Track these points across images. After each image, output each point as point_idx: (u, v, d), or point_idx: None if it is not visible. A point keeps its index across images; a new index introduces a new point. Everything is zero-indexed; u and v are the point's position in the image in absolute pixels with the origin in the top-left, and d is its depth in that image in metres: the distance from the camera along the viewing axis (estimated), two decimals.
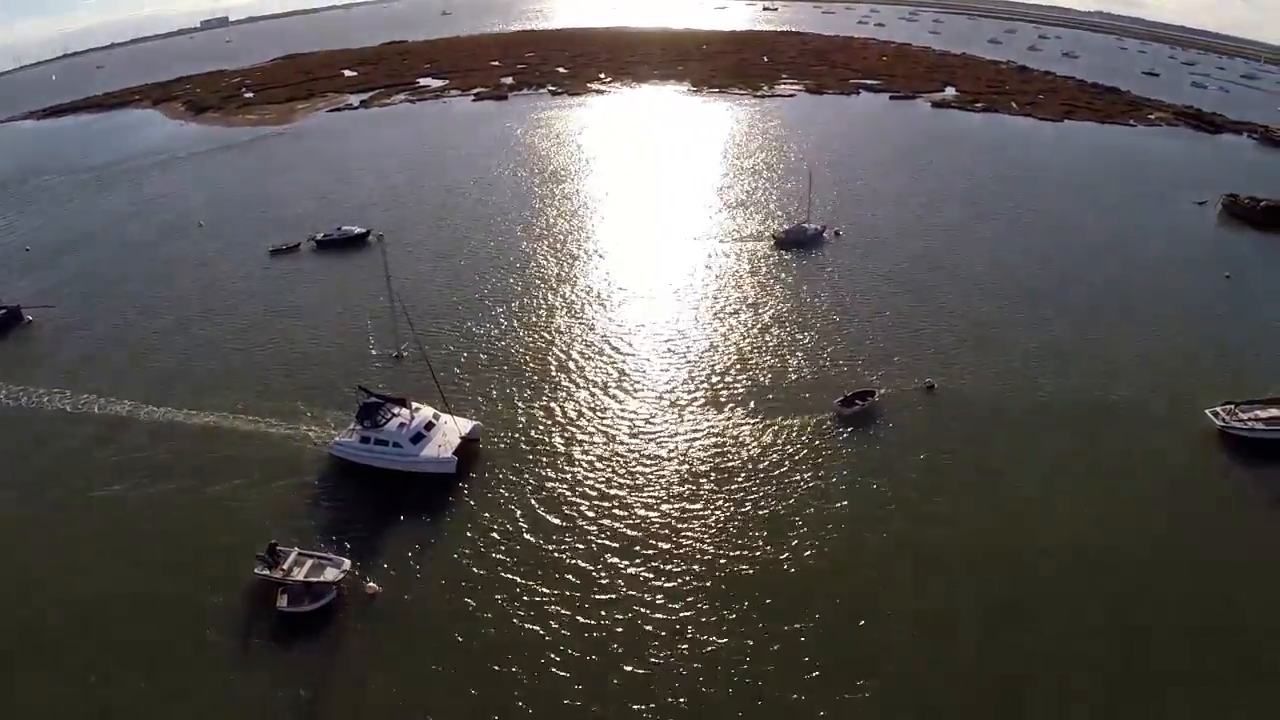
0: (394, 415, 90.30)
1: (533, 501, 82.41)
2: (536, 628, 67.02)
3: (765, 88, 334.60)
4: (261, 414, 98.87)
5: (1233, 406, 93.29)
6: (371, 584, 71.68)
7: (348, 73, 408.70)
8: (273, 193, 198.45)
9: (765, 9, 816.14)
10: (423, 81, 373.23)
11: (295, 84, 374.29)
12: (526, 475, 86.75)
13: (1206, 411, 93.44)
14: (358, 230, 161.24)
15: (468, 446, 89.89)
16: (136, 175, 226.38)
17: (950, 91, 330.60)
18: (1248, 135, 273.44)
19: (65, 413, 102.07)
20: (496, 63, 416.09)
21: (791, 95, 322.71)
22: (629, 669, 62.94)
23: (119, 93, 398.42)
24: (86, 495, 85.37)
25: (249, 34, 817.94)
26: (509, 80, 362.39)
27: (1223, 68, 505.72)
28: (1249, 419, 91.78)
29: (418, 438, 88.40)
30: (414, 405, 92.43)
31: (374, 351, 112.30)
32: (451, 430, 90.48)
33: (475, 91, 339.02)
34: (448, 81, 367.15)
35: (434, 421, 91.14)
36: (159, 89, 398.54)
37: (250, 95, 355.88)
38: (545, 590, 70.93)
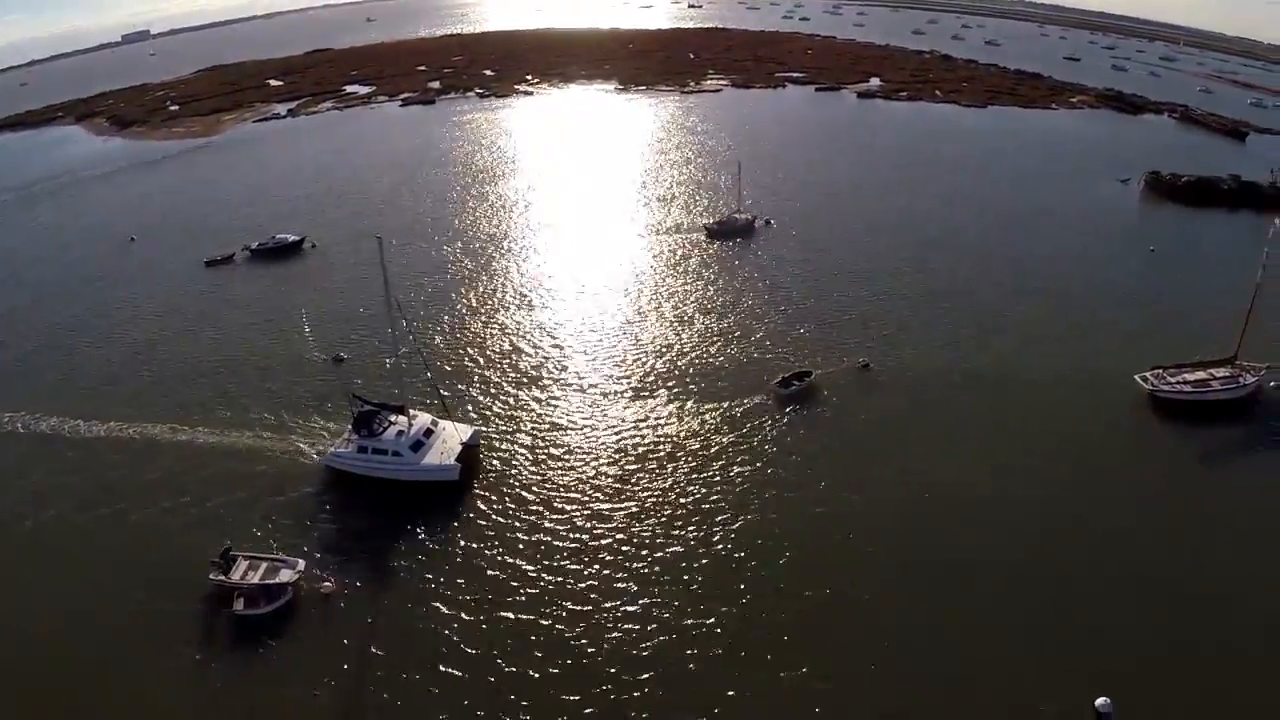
0: (391, 423, 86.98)
1: (523, 507, 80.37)
2: (500, 626, 66.13)
3: (692, 84, 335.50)
4: (240, 426, 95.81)
5: (1161, 371, 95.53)
6: (327, 583, 70.91)
7: (273, 82, 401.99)
8: (203, 204, 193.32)
9: (690, 6, 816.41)
10: (350, 88, 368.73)
11: (221, 95, 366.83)
12: (521, 481, 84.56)
13: (1135, 377, 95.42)
14: (292, 238, 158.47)
15: (468, 453, 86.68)
16: (63, 193, 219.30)
17: (875, 82, 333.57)
18: (1168, 115, 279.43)
19: (41, 434, 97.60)
20: (423, 67, 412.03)
21: (718, 90, 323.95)
22: (601, 673, 61.81)
23: (40, 110, 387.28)
24: (70, 520, 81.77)
25: (171, 47, 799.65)
26: (436, 84, 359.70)
27: (1142, 51, 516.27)
28: (1177, 382, 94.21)
29: (417, 445, 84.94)
30: (411, 412, 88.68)
31: (316, 356, 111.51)
32: (452, 436, 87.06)
33: (403, 97, 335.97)
34: (375, 88, 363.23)
35: (432, 428, 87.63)
36: (82, 105, 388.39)
37: (175, 108, 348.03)
38: (516, 592, 69.76)
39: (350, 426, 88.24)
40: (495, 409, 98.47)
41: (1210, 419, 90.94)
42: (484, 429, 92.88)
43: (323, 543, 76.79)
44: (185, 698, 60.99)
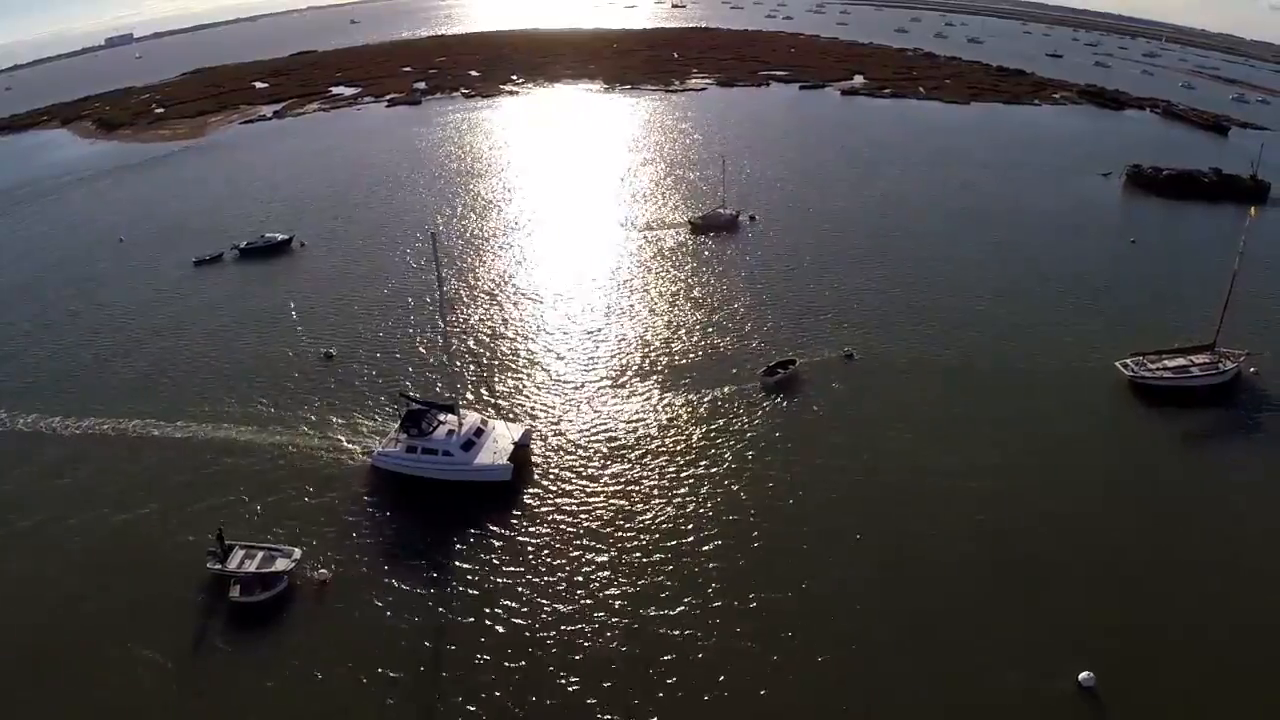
0: (441, 422, 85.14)
1: (540, 506, 79.63)
2: (499, 623, 66.34)
3: (676, 82, 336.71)
4: (249, 422, 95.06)
5: (1141, 358, 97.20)
6: (322, 571, 71.47)
7: (259, 84, 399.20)
8: (191, 205, 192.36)
9: (674, 6, 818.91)
10: (335, 90, 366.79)
11: (206, 98, 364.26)
12: (565, 482, 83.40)
13: (1116, 364, 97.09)
14: (281, 237, 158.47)
15: (519, 453, 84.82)
16: (50, 196, 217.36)
17: (859, 79, 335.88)
18: (1151, 110, 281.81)
19: (81, 435, 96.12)
20: (408, 68, 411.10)
21: (703, 89, 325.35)
22: (600, 674, 61.63)
23: (26, 114, 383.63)
24: (114, 519, 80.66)
25: (156, 50, 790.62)
26: (422, 85, 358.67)
27: (1125, 47, 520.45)
28: (1157, 369, 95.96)
29: (469, 445, 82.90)
30: (461, 411, 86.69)
31: (296, 354, 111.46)
32: (503, 436, 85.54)
33: (389, 97, 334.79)
34: (361, 89, 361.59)
35: (482, 428, 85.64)
36: (68, 108, 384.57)
37: (161, 111, 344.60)
38: (520, 589, 69.83)
39: (397, 426, 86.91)
40: (501, 406, 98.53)
41: (1190, 404, 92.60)
42: (535, 428, 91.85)
43: (331, 537, 76.60)
44: (185, 682, 61.40)
